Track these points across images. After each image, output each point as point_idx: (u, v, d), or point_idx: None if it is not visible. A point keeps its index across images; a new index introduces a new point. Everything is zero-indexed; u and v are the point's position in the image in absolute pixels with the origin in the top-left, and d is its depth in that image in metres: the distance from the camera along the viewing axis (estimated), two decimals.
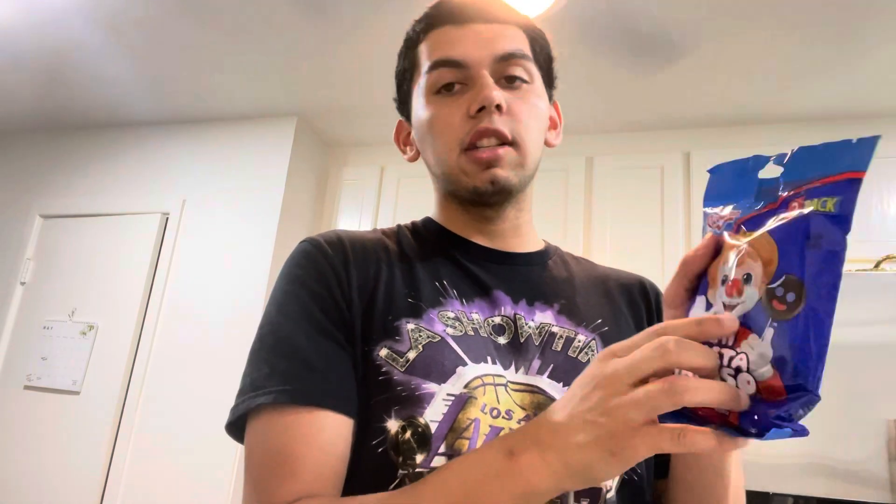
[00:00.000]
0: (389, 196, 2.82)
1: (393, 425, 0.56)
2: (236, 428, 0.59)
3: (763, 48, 2.15)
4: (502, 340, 0.64)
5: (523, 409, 0.59)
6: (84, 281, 2.90)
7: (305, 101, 2.79)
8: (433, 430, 0.56)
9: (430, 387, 0.57)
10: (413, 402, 0.56)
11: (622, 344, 0.43)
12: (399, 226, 0.76)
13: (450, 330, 0.61)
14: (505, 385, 0.60)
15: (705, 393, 0.37)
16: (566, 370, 0.63)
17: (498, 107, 0.65)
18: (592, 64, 2.28)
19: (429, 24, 0.71)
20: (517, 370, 0.62)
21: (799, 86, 2.35)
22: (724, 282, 0.42)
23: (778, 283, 0.38)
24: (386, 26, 2.13)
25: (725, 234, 0.45)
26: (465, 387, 0.58)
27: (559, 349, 0.65)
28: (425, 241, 0.73)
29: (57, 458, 2.67)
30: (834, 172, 0.38)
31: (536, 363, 0.63)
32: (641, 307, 0.74)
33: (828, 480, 1.71)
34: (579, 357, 0.64)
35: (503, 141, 0.65)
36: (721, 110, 2.55)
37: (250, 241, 2.74)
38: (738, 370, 0.39)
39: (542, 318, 0.67)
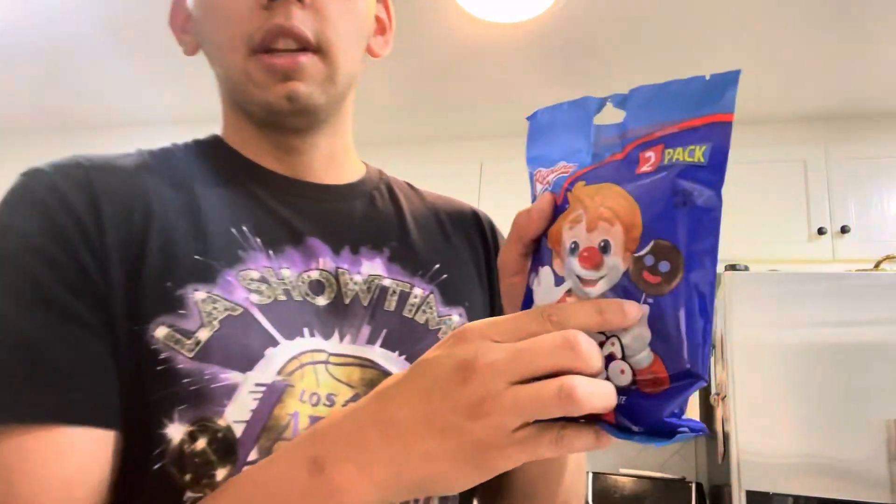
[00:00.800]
0: None
1: (176, 432, 0.42)
2: None
3: (760, 46, 2.16)
4: (322, 302, 0.50)
5: (351, 386, 0.47)
6: None
7: None
8: (238, 434, 0.42)
9: (231, 376, 0.43)
10: (207, 399, 0.42)
11: (498, 324, 0.33)
12: (175, 144, 0.57)
13: (255, 297, 0.47)
14: (325, 361, 0.48)
15: (604, 399, 0.30)
16: (402, 335, 0.51)
17: None
18: (593, 65, 2.29)
19: None
20: (342, 339, 0.49)
21: (797, 84, 2.35)
22: (573, 250, 0.34)
23: (646, 250, 0.31)
24: None
25: (566, 191, 0.36)
26: (279, 373, 0.45)
27: (392, 309, 0.52)
28: (213, 169, 0.55)
29: None
30: (694, 115, 0.33)
31: (366, 329, 0.50)
32: (479, 245, 0.63)
33: (828, 480, 1.72)
34: (416, 317, 0.53)
35: (305, 46, 0.50)
36: None
37: None
38: (610, 358, 0.32)
39: (370, 269, 0.54)
